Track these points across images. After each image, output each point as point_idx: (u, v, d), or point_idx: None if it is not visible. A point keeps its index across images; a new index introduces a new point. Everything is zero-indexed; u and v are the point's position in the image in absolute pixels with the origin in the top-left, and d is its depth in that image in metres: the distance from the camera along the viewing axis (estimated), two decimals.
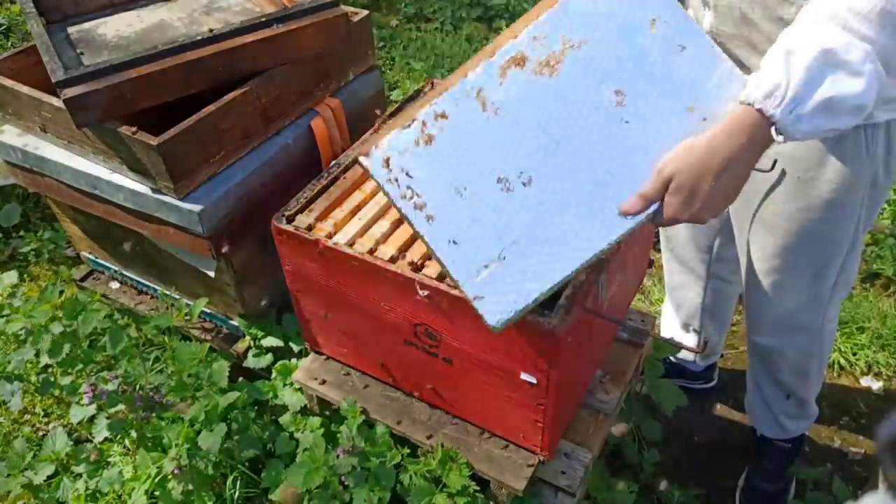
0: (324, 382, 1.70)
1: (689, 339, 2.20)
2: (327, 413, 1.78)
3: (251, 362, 1.85)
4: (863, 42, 0.97)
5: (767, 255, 1.60)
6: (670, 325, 2.23)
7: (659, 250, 2.86)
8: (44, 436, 2.13)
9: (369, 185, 1.55)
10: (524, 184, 1.12)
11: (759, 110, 1.00)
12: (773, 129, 1.02)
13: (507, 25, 3.88)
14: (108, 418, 1.69)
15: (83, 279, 2.16)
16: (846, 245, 1.54)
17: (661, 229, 2.05)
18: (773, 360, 1.80)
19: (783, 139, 1.02)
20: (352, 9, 1.88)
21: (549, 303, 1.19)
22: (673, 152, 1.08)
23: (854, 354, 2.45)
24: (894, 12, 0.95)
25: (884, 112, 1.31)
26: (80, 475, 1.76)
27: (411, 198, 1.13)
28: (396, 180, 1.13)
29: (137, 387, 1.70)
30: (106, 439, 1.79)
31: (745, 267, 1.71)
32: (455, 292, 1.29)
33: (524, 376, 1.33)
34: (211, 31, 1.61)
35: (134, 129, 1.52)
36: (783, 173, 1.46)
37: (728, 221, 1.81)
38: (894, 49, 0.99)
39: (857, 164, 1.39)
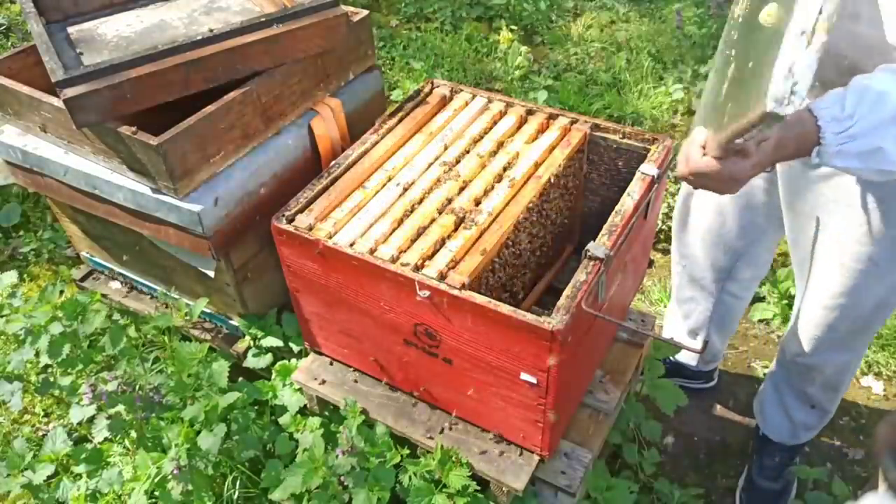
0: (324, 382, 1.70)
1: (694, 343, 2.20)
2: (327, 413, 1.78)
3: (251, 362, 1.85)
4: None
5: (833, 294, 1.60)
6: (677, 330, 2.22)
7: (659, 250, 2.86)
8: (44, 436, 2.13)
9: (369, 185, 1.55)
10: None
11: (818, 126, 1.08)
12: (816, 148, 1.10)
13: (507, 26, 3.88)
14: (108, 418, 1.69)
15: (83, 279, 2.16)
16: None
17: (676, 246, 2.03)
18: (811, 376, 1.79)
19: (817, 161, 1.10)
20: (352, 9, 1.87)
21: (549, 303, 1.19)
22: None
23: None
24: None
25: None
26: (80, 475, 1.76)
27: None
28: None
29: (137, 387, 1.70)
30: (106, 439, 1.79)
31: (804, 296, 1.69)
32: (455, 292, 1.29)
33: (524, 376, 1.33)
34: (211, 31, 1.61)
35: (134, 129, 1.52)
36: (859, 220, 1.45)
37: (754, 247, 1.82)
38: None
39: None
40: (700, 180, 1.22)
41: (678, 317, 2.20)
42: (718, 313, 2.08)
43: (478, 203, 1.50)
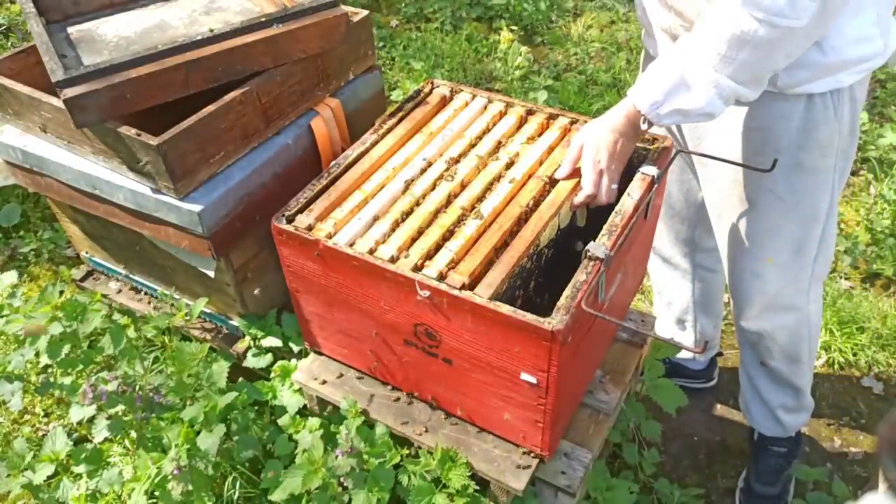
0: (324, 382, 1.70)
1: (687, 337, 2.20)
2: (326, 414, 1.78)
3: (251, 362, 1.85)
4: (721, 64, 1.25)
5: (748, 236, 1.62)
6: (664, 325, 2.23)
7: None
8: (44, 436, 2.13)
9: (369, 185, 1.55)
10: None
11: (638, 109, 1.37)
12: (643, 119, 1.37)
13: (507, 26, 3.88)
14: (108, 418, 1.69)
15: (83, 279, 2.16)
16: (823, 214, 1.57)
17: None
18: (765, 345, 1.80)
19: (647, 126, 1.39)
20: (352, 9, 1.87)
21: (549, 303, 1.19)
22: (584, 132, 1.46)
23: (854, 354, 2.45)
24: (744, 37, 1.20)
25: (847, 76, 1.38)
26: (80, 475, 1.76)
27: None
28: None
29: (137, 387, 1.70)
30: (106, 439, 1.79)
31: (726, 253, 1.73)
32: (455, 292, 1.29)
33: (524, 376, 1.33)
34: (211, 31, 1.61)
35: (134, 129, 1.52)
36: (753, 150, 1.52)
37: (703, 210, 1.83)
38: (763, 57, 1.24)
39: (827, 129, 1.44)
40: (601, 175, 1.44)
41: (661, 307, 2.21)
42: (699, 292, 2.08)
43: (478, 203, 1.50)
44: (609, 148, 1.42)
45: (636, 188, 1.49)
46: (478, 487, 1.49)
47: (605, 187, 1.45)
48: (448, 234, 1.44)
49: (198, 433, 1.58)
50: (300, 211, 1.49)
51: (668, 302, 2.16)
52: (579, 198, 1.49)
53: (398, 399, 1.65)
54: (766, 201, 1.55)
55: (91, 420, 1.72)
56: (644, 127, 1.39)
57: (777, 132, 1.46)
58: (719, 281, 2.08)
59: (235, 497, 1.70)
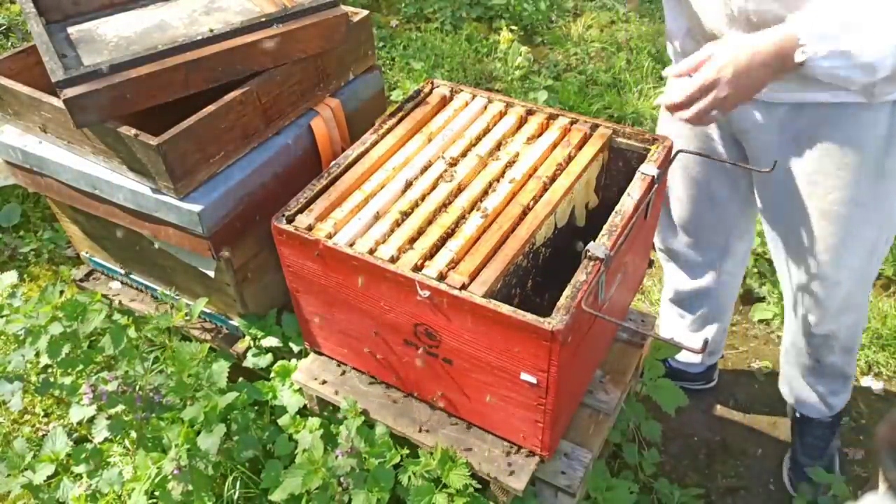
0: (324, 382, 1.70)
1: (695, 340, 2.20)
2: (326, 413, 1.78)
3: (251, 362, 1.85)
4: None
5: (829, 246, 1.61)
6: (676, 331, 2.22)
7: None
8: (44, 436, 2.13)
9: (369, 185, 1.55)
10: None
11: (797, 38, 1.21)
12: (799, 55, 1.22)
13: (507, 26, 3.88)
14: (108, 418, 1.69)
15: (83, 279, 2.16)
16: (895, 214, 1.59)
17: (662, 246, 2.05)
18: (828, 345, 1.82)
19: (794, 68, 1.23)
20: (352, 9, 1.87)
21: (548, 303, 1.19)
22: (724, 45, 1.27)
23: None
24: None
25: None
26: (80, 475, 1.76)
27: None
28: None
29: (137, 387, 1.70)
30: (106, 439, 1.79)
31: (800, 265, 1.71)
32: (455, 292, 1.29)
33: (524, 376, 1.33)
34: (211, 31, 1.61)
35: (134, 129, 1.52)
36: (836, 163, 1.49)
37: (745, 218, 1.84)
38: None
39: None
40: (707, 93, 1.27)
41: (673, 316, 2.20)
42: (716, 300, 2.09)
43: (478, 203, 1.50)
44: (741, 67, 1.24)
45: (636, 188, 1.49)
46: (478, 487, 1.49)
47: (703, 105, 1.29)
48: (448, 234, 1.44)
49: (198, 433, 1.58)
50: (300, 211, 1.49)
51: (682, 312, 2.17)
52: (665, 98, 1.35)
53: (398, 399, 1.65)
54: (849, 210, 1.54)
55: (91, 420, 1.72)
56: (796, 61, 1.22)
57: (863, 141, 1.46)
58: (737, 284, 2.09)
59: (235, 497, 1.70)
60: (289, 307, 1.84)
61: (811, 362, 1.91)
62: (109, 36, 1.81)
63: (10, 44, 3.63)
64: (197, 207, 1.57)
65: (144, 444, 1.68)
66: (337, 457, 1.51)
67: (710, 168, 1.77)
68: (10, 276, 1.95)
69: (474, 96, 1.80)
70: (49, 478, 1.74)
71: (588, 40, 3.96)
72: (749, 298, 2.68)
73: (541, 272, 1.58)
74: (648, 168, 1.52)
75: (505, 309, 1.25)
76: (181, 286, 1.94)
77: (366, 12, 1.89)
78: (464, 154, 1.63)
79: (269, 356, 1.85)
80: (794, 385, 2.03)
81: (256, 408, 1.80)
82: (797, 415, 2.09)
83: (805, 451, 2.08)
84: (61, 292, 1.85)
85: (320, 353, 1.74)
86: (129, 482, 1.64)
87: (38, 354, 1.76)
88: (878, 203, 1.54)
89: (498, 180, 1.56)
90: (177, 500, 1.57)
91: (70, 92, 1.46)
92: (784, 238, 1.72)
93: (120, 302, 2.08)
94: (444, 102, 1.80)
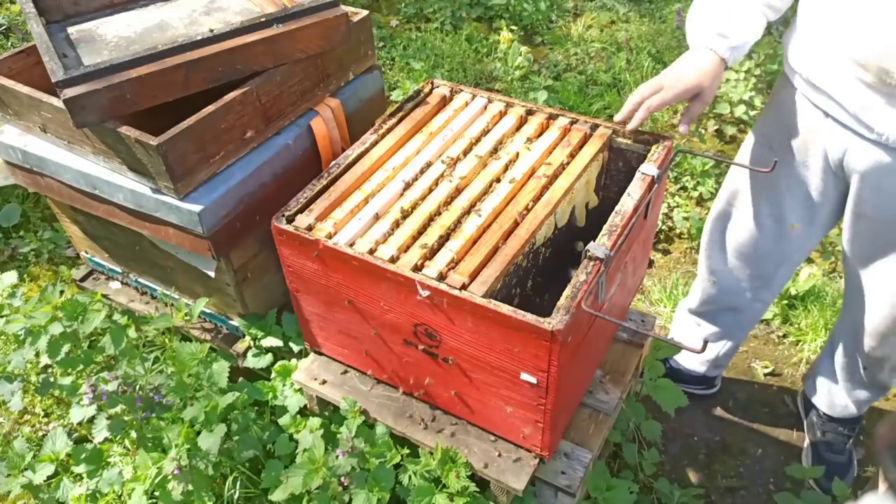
0: (324, 382, 1.70)
1: (707, 355, 2.22)
2: (327, 413, 1.78)
3: (251, 362, 1.85)
4: None
5: None
6: (689, 339, 2.21)
7: (659, 250, 2.86)
8: (44, 436, 2.13)
9: (369, 185, 1.55)
10: None
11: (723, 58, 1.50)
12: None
13: (507, 26, 3.88)
14: (108, 418, 1.69)
15: (83, 279, 2.16)
16: None
17: (706, 263, 2.04)
18: (882, 365, 1.86)
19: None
20: (352, 9, 1.87)
21: (548, 303, 1.19)
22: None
23: None
24: None
25: None
26: (80, 475, 1.76)
27: None
28: None
29: (137, 387, 1.70)
30: (106, 439, 1.79)
31: (874, 300, 1.73)
32: (455, 292, 1.29)
33: (524, 376, 1.33)
34: (211, 31, 1.61)
35: (134, 129, 1.52)
36: None
37: (803, 254, 1.85)
38: None
39: None
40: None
41: (689, 324, 2.19)
42: (743, 321, 2.09)
43: (478, 203, 1.50)
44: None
45: (636, 188, 1.49)
46: (477, 488, 1.49)
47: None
48: (448, 234, 1.44)
49: (198, 433, 1.58)
50: (300, 211, 1.49)
51: (700, 323, 2.16)
52: None
53: (398, 399, 1.65)
54: None
55: (91, 420, 1.72)
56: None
57: None
58: (763, 313, 2.09)
59: (235, 497, 1.70)
60: (289, 307, 1.84)
61: (859, 378, 1.95)
62: (109, 36, 1.81)
63: (10, 44, 3.63)
64: (197, 207, 1.57)
65: (144, 444, 1.68)
66: (337, 456, 1.51)
67: (791, 201, 1.73)
68: (10, 276, 1.95)
69: (474, 96, 1.80)
70: (49, 478, 1.74)
71: (588, 40, 3.96)
72: None
73: (541, 272, 1.58)
74: (648, 168, 1.52)
75: (505, 309, 1.26)
76: (181, 286, 1.94)
77: (366, 12, 1.89)
78: (464, 154, 1.63)
79: (270, 356, 1.85)
80: (832, 393, 2.07)
81: (257, 408, 1.80)
82: (821, 413, 2.13)
83: (829, 447, 2.13)
84: (61, 292, 1.85)
85: (320, 353, 1.74)
86: (129, 482, 1.64)
87: (38, 354, 1.76)
88: None
89: (498, 180, 1.56)
90: (177, 500, 1.57)
91: (70, 92, 1.46)
92: (865, 269, 1.71)
93: (120, 302, 2.08)
94: (444, 102, 1.80)
